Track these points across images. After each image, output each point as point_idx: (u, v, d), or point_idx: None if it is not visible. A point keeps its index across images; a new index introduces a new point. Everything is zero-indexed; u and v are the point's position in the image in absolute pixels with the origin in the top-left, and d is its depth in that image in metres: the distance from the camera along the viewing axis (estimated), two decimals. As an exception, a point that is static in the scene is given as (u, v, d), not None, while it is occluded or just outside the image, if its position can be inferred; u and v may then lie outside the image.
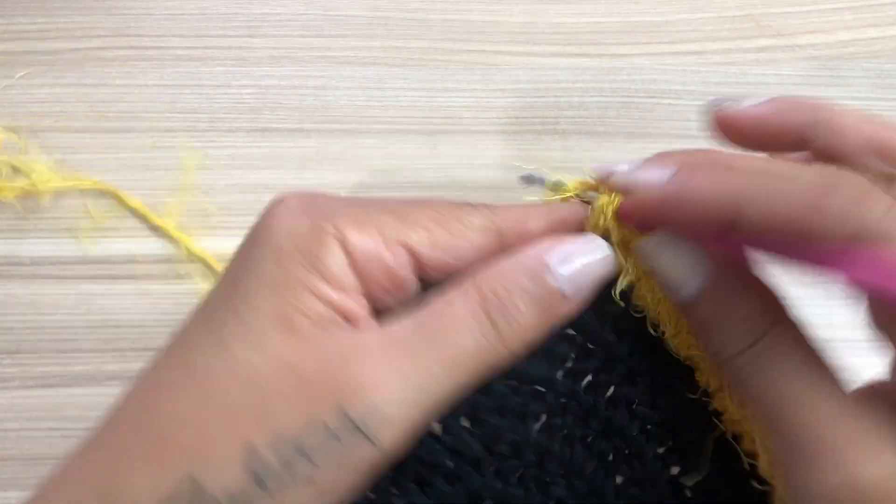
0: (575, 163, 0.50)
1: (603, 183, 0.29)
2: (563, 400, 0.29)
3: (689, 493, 0.29)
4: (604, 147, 0.50)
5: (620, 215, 0.29)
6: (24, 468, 0.45)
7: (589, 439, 0.29)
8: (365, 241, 0.26)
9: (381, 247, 0.26)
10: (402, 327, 0.26)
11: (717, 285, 0.26)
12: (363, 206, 0.27)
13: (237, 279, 0.26)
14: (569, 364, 0.29)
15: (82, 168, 0.49)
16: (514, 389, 0.28)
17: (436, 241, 0.27)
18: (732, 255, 0.27)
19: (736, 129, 0.30)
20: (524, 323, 0.26)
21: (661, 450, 0.29)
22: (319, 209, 0.26)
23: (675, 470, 0.29)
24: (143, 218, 0.49)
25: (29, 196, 0.48)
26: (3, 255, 0.48)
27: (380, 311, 0.27)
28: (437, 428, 0.28)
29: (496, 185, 0.49)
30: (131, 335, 0.46)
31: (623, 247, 0.29)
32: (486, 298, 0.26)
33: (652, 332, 0.29)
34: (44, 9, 0.52)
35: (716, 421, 0.29)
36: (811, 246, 0.23)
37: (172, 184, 0.49)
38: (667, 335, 0.29)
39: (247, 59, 0.52)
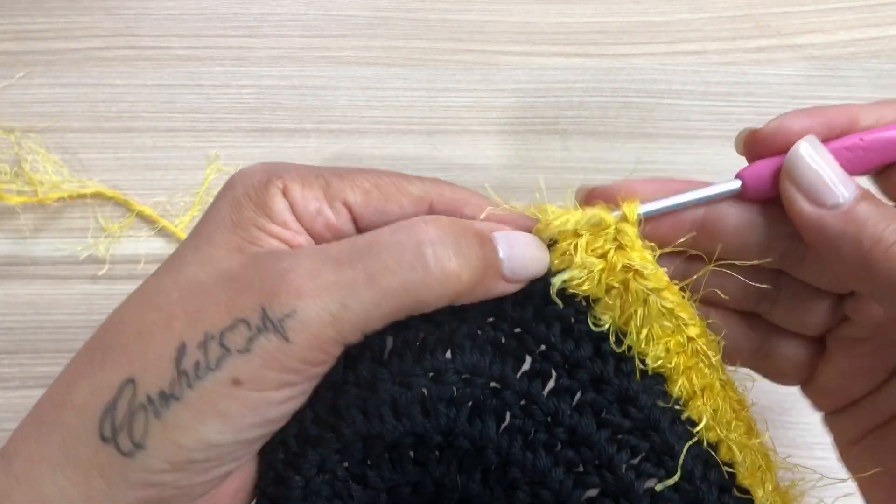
0: (575, 163, 0.50)
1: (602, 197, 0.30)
2: (522, 402, 0.29)
3: None
4: (604, 147, 0.50)
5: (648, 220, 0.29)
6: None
7: (557, 448, 0.28)
8: (307, 195, 0.28)
9: (324, 203, 0.29)
10: (338, 246, 0.27)
11: (867, 193, 0.28)
12: (314, 170, 0.29)
13: (200, 225, 0.29)
14: (525, 366, 0.29)
15: (82, 168, 0.49)
16: (467, 381, 0.28)
17: (370, 201, 0.29)
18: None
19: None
20: (463, 264, 0.27)
21: (634, 461, 0.28)
22: (274, 170, 0.29)
23: (651, 482, 0.28)
24: (144, 219, 0.49)
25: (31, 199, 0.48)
26: (3, 255, 0.48)
27: None
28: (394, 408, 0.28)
29: (496, 185, 0.49)
30: (131, 335, 0.46)
31: (590, 254, 0.29)
32: (431, 236, 0.27)
33: (614, 347, 0.29)
34: (44, 9, 0.52)
35: (690, 430, 0.29)
36: None
37: (173, 183, 0.49)
38: (636, 344, 0.29)
39: (247, 59, 0.52)
